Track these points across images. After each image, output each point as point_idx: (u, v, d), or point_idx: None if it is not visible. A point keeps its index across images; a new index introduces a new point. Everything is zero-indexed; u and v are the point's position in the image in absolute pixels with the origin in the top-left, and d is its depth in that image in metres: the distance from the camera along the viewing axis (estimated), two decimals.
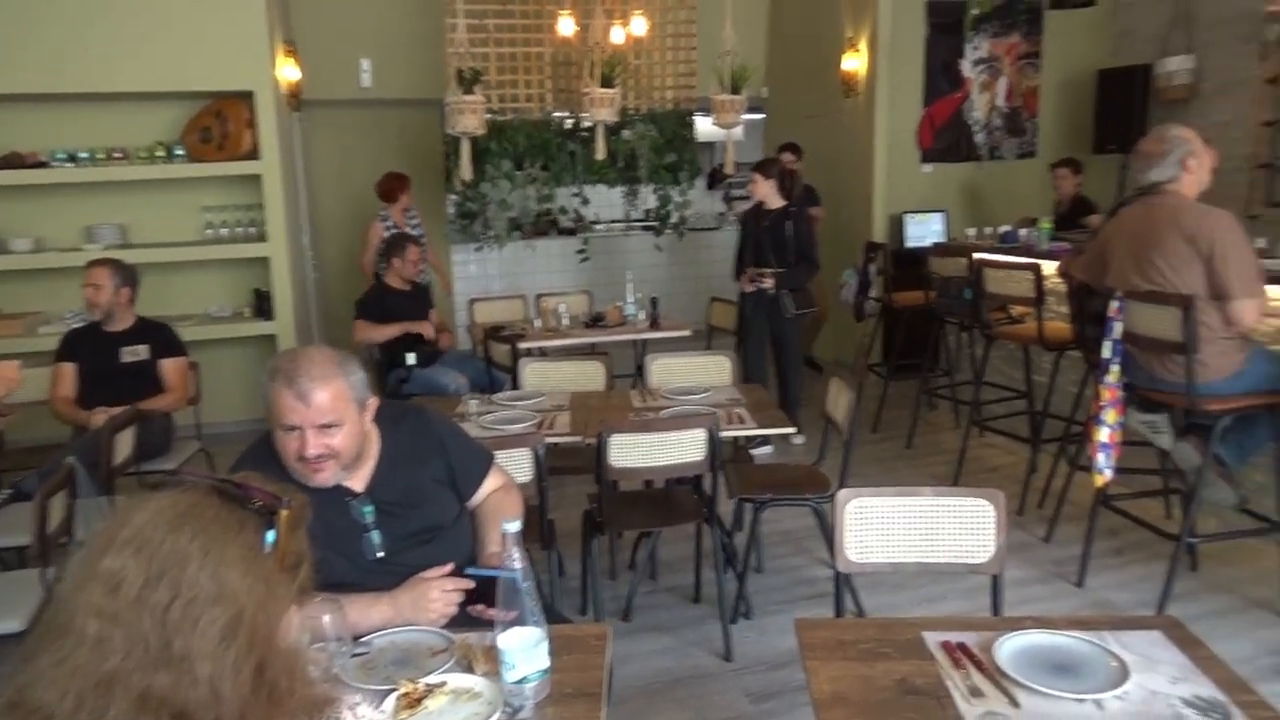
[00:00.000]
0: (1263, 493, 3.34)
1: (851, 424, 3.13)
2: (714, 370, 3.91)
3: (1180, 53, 6.09)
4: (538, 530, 2.88)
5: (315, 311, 6.93)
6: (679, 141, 6.85)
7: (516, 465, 2.73)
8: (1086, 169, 6.30)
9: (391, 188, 6.07)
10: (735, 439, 3.72)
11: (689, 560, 3.59)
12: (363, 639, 1.67)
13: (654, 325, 5.10)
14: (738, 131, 5.69)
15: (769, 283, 4.91)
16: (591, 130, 5.96)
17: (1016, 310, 4.60)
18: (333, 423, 1.78)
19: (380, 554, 1.89)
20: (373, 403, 1.89)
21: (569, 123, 6.75)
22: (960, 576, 2.10)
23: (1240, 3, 5.73)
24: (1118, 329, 3.12)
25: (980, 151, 7.03)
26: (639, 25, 5.84)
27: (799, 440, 5.10)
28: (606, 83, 5.44)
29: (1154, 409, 3.32)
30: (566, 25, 5.67)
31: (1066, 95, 7.01)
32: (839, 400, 3.28)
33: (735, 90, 5.61)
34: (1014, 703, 1.43)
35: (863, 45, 6.63)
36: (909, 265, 5.63)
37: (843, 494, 2.12)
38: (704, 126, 6.27)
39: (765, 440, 4.84)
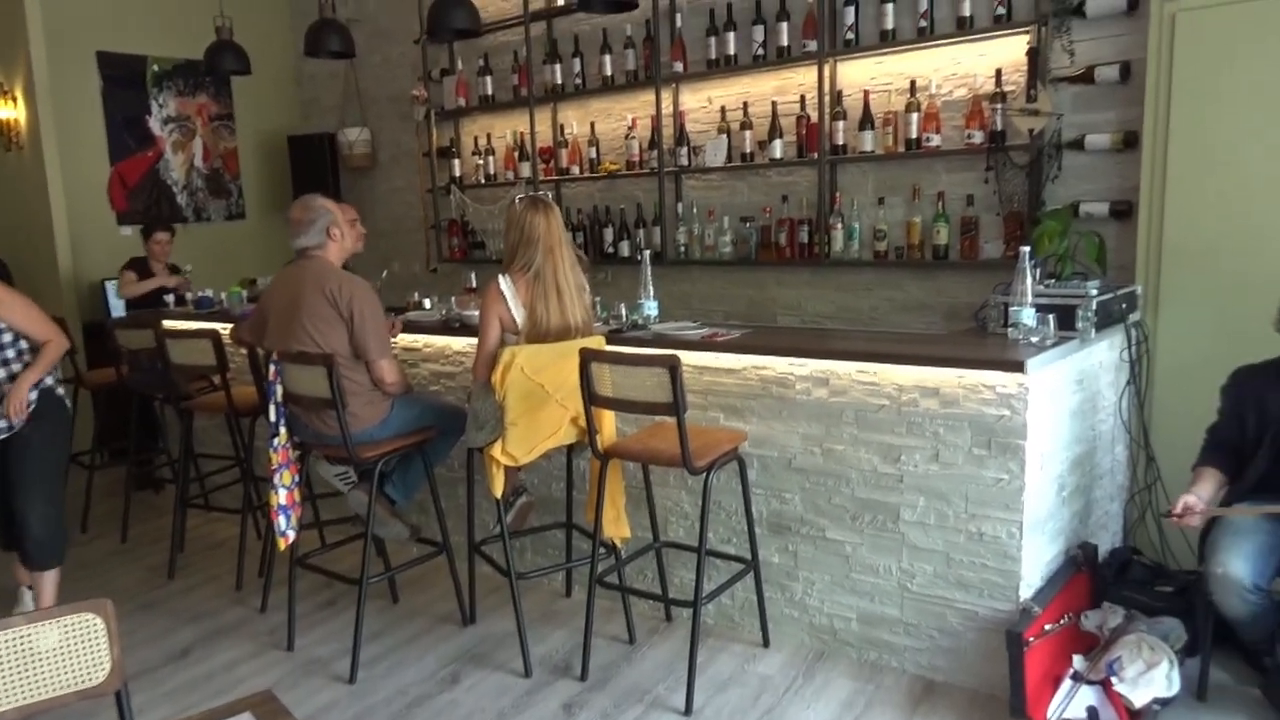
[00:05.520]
0: (432, 520, 3.71)
1: None
2: None
3: (357, 125, 6.68)
4: None
5: None
6: None
7: None
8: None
9: None
10: None
11: None
12: None
13: None
14: None
15: None
16: None
17: (216, 379, 4.44)
18: None
19: None
20: None
21: None
22: None
23: (395, 85, 6.51)
24: (279, 391, 3.17)
25: (185, 213, 6.73)
26: None
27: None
28: None
29: (344, 460, 3.47)
30: None
31: (264, 158, 7.14)
32: None
33: None
34: None
35: (19, 93, 5.79)
36: (106, 338, 5.05)
37: None
38: None
39: None
